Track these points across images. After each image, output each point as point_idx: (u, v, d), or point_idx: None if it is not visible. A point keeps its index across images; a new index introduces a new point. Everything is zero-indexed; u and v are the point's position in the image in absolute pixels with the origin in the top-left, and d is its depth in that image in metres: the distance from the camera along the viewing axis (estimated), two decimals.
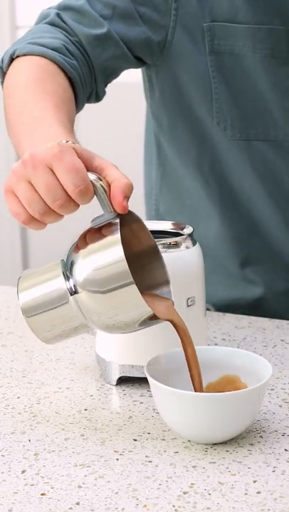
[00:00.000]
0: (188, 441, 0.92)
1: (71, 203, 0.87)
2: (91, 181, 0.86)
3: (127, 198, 0.88)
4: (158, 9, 1.21)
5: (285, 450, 0.90)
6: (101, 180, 0.88)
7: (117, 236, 0.88)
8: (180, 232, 1.05)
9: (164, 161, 1.35)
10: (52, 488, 0.84)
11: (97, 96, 1.23)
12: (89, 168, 0.88)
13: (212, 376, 0.96)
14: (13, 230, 2.85)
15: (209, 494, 0.82)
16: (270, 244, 1.33)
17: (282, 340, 1.16)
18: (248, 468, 0.87)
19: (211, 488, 0.83)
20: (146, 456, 0.89)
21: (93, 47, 1.18)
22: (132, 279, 0.87)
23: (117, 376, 1.04)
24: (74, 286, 0.90)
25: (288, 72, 1.22)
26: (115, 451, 0.90)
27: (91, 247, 0.89)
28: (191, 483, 0.84)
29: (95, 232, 0.90)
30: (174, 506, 0.81)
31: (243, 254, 1.34)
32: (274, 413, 0.97)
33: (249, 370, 0.96)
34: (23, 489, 0.84)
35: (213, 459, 0.89)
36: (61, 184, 0.86)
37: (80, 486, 0.84)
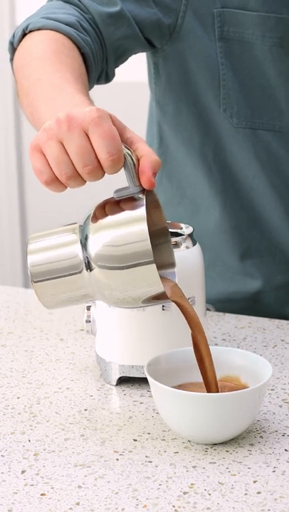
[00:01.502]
0: (188, 441, 0.92)
1: (100, 171, 0.85)
2: None
3: (154, 174, 0.87)
4: None
5: (285, 450, 0.90)
6: (131, 152, 0.86)
7: (142, 213, 0.85)
8: (180, 232, 1.05)
9: (165, 151, 1.35)
10: (52, 488, 0.84)
11: (106, 77, 1.21)
12: (120, 138, 0.87)
13: None
14: (13, 231, 2.85)
15: (209, 494, 0.82)
16: (270, 237, 1.32)
17: (282, 340, 1.16)
18: (248, 468, 0.87)
19: (211, 488, 0.83)
20: (146, 456, 0.89)
21: (106, 25, 1.17)
22: (152, 258, 0.85)
23: (117, 376, 1.04)
24: (89, 257, 0.87)
25: None
26: (115, 452, 0.90)
27: (112, 220, 0.87)
28: (191, 483, 0.84)
29: (117, 205, 0.87)
30: (174, 506, 0.81)
31: (242, 246, 1.33)
32: (274, 413, 0.97)
33: (249, 370, 0.96)
34: (23, 489, 0.84)
35: (213, 459, 0.88)
36: (94, 150, 0.85)
37: (80, 486, 0.84)
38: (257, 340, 1.17)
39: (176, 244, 1.02)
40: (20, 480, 0.85)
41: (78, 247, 0.88)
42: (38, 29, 1.13)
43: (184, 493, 0.83)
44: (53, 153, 0.85)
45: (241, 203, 1.31)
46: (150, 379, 0.91)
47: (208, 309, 1.27)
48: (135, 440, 0.92)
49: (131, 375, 1.03)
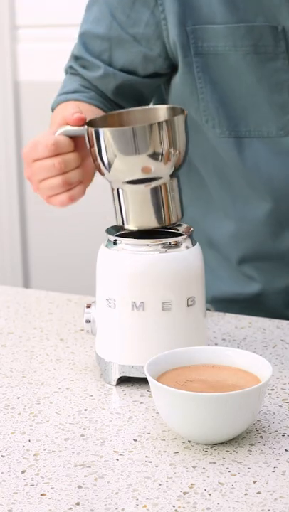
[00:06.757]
0: (188, 441, 0.92)
1: None
2: None
3: None
4: (149, 24, 1.28)
5: (285, 450, 0.90)
6: None
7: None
8: (180, 232, 1.05)
9: None
10: (52, 488, 0.84)
11: (145, 102, 1.36)
12: None
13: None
14: (13, 231, 2.85)
15: (209, 494, 0.82)
16: (265, 244, 1.34)
17: (282, 340, 1.16)
18: (248, 468, 0.87)
19: (211, 488, 0.83)
20: (146, 456, 0.89)
21: (99, 84, 1.32)
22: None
23: (117, 376, 1.04)
24: None
25: (275, 67, 1.24)
26: (115, 451, 0.90)
27: None
28: (191, 484, 0.84)
29: None
30: (174, 506, 0.81)
31: (244, 250, 1.35)
32: (274, 413, 0.97)
33: (249, 370, 0.96)
34: (23, 489, 0.84)
35: (213, 459, 0.88)
36: None
37: (80, 486, 0.84)
38: (257, 340, 1.17)
39: (176, 244, 1.02)
40: (20, 480, 0.85)
41: None
42: (58, 105, 1.31)
43: (184, 493, 0.83)
44: None
45: (239, 209, 1.33)
46: (150, 379, 0.91)
47: (208, 309, 1.28)
48: (135, 440, 0.92)
49: (131, 375, 1.03)
